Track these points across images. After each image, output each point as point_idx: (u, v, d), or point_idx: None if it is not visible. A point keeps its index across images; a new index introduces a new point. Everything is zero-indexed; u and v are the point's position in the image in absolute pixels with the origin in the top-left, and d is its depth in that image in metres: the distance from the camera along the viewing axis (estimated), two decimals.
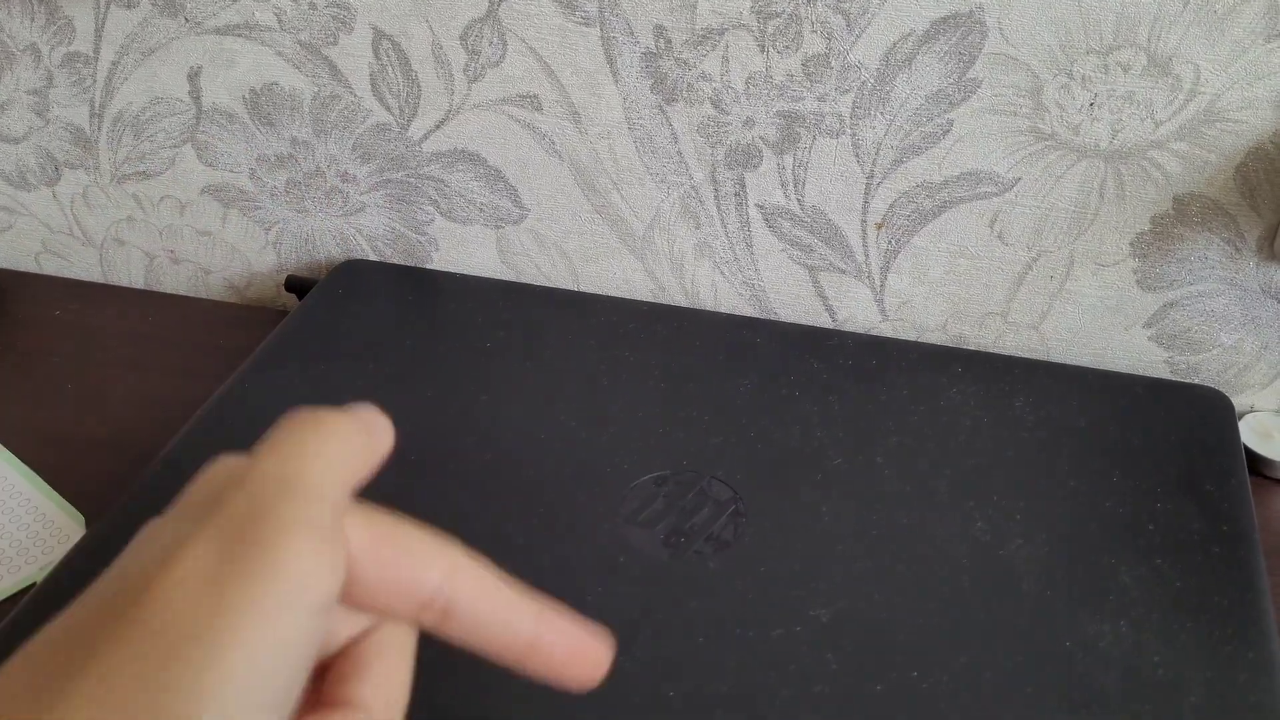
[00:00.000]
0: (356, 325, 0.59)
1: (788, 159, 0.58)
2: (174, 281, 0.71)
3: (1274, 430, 0.57)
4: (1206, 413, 0.54)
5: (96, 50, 0.62)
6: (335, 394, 0.54)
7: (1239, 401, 0.59)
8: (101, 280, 0.72)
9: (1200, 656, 0.42)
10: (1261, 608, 0.44)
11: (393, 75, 0.60)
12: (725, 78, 0.56)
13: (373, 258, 0.67)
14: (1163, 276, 0.57)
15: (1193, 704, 0.40)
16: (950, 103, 0.54)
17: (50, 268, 0.72)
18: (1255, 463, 0.55)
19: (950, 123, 0.55)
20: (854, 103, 0.55)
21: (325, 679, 0.27)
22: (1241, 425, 0.55)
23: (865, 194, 0.58)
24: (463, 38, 0.58)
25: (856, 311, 0.62)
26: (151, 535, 0.24)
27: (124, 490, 0.48)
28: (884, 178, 0.57)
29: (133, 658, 0.21)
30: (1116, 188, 0.55)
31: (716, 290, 0.63)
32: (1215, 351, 0.59)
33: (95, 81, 0.64)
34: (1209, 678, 0.41)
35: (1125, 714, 0.40)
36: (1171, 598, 0.44)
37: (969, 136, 0.55)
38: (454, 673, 0.40)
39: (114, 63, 0.63)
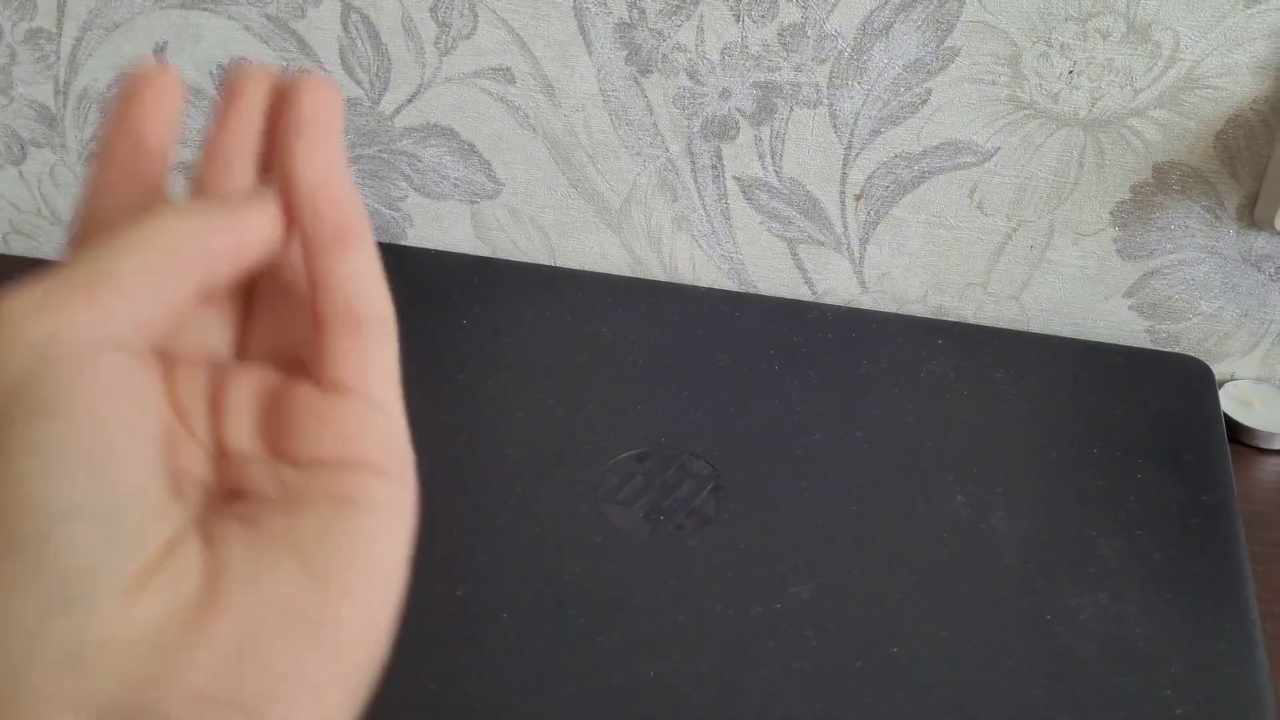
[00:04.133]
0: None
1: (765, 130, 0.57)
2: None
3: (1254, 398, 0.57)
4: (1187, 381, 0.54)
5: (60, 26, 0.61)
6: None
7: (1219, 370, 0.59)
8: None
9: (1180, 626, 0.42)
10: (1241, 577, 0.44)
11: (362, 49, 0.59)
12: (700, 48, 0.55)
13: None
14: (1143, 245, 0.57)
15: (1173, 674, 0.40)
16: (928, 72, 0.53)
17: (19, 248, 0.71)
18: (1235, 431, 0.55)
19: (928, 92, 0.54)
20: (831, 73, 0.54)
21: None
22: (1222, 394, 0.55)
23: (843, 165, 0.57)
24: (433, 10, 0.57)
25: (836, 284, 0.62)
26: None
27: None
28: (862, 148, 0.56)
29: None
30: (1096, 156, 0.54)
31: (695, 264, 0.63)
32: (1195, 320, 0.59)
33: (59, 58, 0.62)
34: (1189, 648, 0.41)
35: (1106, 685, 0.40)
36: (1152, 568, 0.44)
37: (947, 106, 0.54)
38: (441, 656, 0.40)
39: (78, 38, 0.61)
